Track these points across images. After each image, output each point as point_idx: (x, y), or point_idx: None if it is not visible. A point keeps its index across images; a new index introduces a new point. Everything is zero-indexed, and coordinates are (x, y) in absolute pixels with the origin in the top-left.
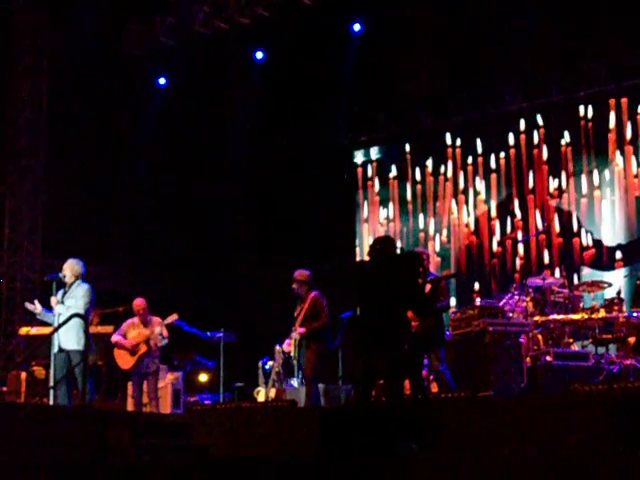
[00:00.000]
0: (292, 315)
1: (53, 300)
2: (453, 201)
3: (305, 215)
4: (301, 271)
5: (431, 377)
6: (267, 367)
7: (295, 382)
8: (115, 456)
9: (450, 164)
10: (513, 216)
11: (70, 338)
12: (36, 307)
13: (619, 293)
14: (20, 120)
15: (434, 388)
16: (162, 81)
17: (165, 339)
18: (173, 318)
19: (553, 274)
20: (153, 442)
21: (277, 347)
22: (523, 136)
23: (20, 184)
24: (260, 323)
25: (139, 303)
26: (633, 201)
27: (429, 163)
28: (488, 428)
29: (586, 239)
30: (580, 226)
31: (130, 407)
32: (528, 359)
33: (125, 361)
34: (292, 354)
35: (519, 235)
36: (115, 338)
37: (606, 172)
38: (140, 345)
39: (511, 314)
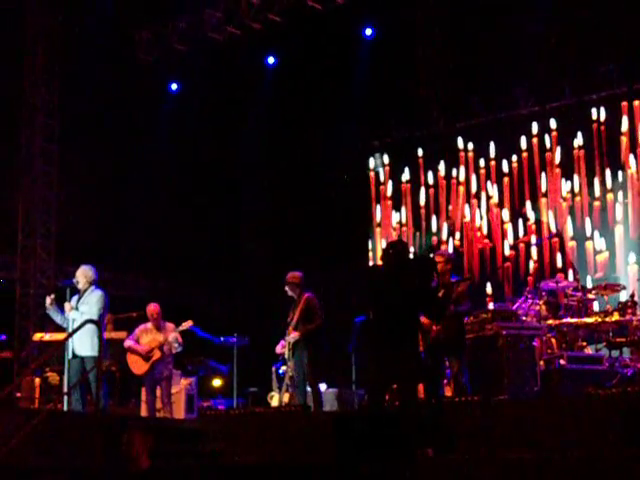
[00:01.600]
0: (287, 318)
1: (67, 306)
2: (466, 205)
3: (318, 219)
4: (293, 273)
5: (445, 381)
6: (281, 372)
7: (309, 387)
8: (129, 462)
9: (462, 168)
10: (526, 220)
11: (84, 344)
12: (51, 300)
13: (633, 296)
14: (33, 126)
15: (448, 392)
16: (174, 87)
17: (180, 346)
18: (187, 325)
19: (566, 277)
20: (167, 447)
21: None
22: (535, 139)
23: (33, 190)
24: (273, 327)
25: (153, 308)
26: None
27: (441, 167)
28: (502, 432)
29: (600, 243)
30: (593, 229)
31: (144, 412)
32: (542, 363)
33: (138, 367)
34: (285, 356)
35: (532, 239)
36: (128, 343)
37: (619, 175)
38: (154, 351)
39: (524, 318)
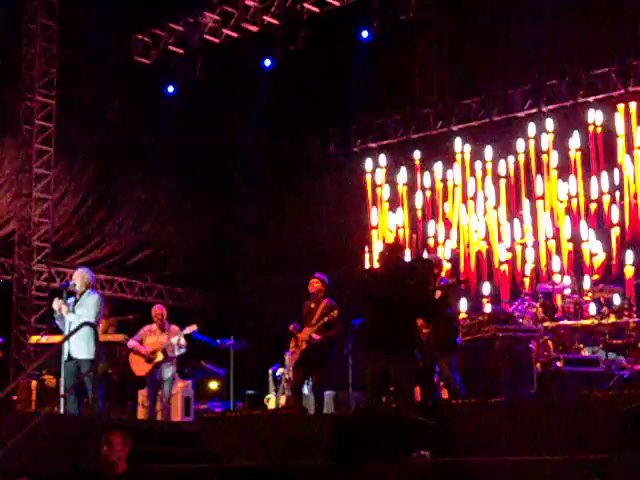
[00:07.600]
0: (301, 314)
1: (64, 309)
2: (462, 207)
3: (315, 222)
4: (322, 274)
5: (442, 383)
6: (277, 374)
7: (306, 389)
8: (105, 467)
9: (459, 170)
10: (522, 222)
11: (80, 347)
12: (62, 307)
13: (629, 298)
14: (31, 128)
15: (444, 394)
16: (171, 89)
17: (182, 349)
18: (192, 328)
19: (563, 280)
20: (164, 450)
21: (287, 355)
22: (532, 141)
23: (31, 191)
24: (270, 330)
25: (158, 310)
26: None
27: (438, 169)
28: (498, 434)
29: (596, 245)
30: (589, 231)
31: (141, 415)
32: (538, 365)
33: (140, 368)
34: (290, 351)
35: (528, 241)
36: (132, 343)
37: (615, 177)
38: (157, 353)
39: (521, 320)
